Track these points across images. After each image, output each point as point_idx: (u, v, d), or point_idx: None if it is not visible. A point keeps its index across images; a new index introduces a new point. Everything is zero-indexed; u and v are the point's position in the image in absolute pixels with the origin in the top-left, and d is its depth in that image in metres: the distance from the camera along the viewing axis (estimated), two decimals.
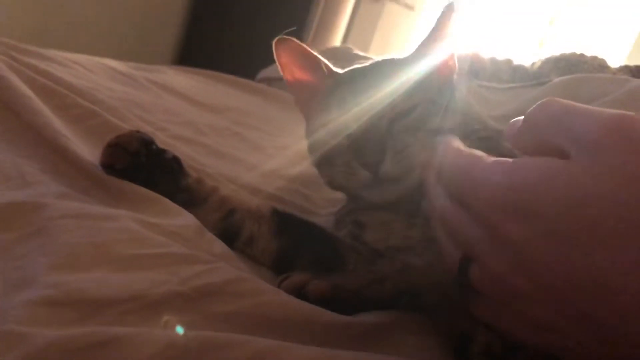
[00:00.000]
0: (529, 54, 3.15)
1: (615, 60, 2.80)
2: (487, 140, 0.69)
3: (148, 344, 0.35)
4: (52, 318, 0.35)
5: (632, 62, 1.70)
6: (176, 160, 0.58)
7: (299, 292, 0.48)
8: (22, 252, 0.41)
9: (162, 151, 0.58)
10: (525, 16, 3.34)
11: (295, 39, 0.64)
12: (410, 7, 2.73)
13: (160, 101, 0.94)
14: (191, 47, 2.44)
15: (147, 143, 0.56)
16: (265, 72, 1.43)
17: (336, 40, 2.57)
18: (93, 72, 0.95)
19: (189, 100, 1.02)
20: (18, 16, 1.78)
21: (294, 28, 0.66)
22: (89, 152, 0.61)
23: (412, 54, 0.64)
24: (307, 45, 2.04)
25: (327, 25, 2.50)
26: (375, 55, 2.38)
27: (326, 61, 0.66)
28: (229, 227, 0.57)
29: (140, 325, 0.37)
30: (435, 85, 0.62)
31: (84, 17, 1.99)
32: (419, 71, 0.62)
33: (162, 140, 0.75)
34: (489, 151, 0.65)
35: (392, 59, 0.67)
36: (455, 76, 0.66)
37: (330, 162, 0.62)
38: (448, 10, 0.61)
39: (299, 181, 0.80)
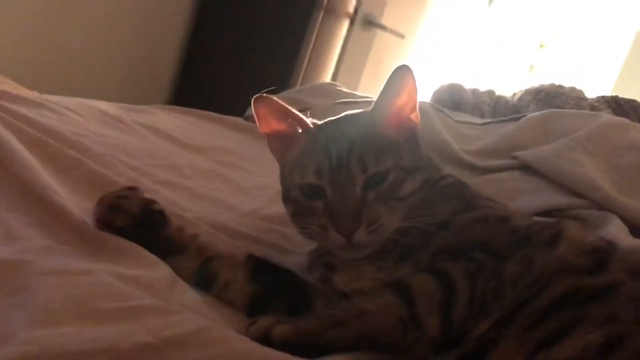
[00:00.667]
0: (519, 78, 3.20)
1: (604, 85, 2.85)
2: (452, 187, 0.73)
3: None
4: None
5: (621, 86, 1.74)
6: (160, 212, 0.63)
7: (265, 337, 0.52)
8: (3, 308, 0.45)
9: (151, 203, 0.62)
10: (515, 41, 3.40)
11: (272, 97, 0.69)
12: (400, 36, 2.79)
13: (147, 144, 0.98)
14: (185, 87, 2.49)
15: (146, 204, 0.61)
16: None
17: (329, 68, 2.63)
18: (83, 117, 1.00)
19: (175, 141, 1.06)
20: (18, 56, 1.84)
21: (274, 87, 0.72)
22: (75, 202, 0.65)
23: (375, 111, 0.68)
24: (299, 77, 2.09)
25: (319, 55, 2.56)
26: (364, 87, 2.43)
27: (301, 116, 0.70)
28: (206, 274, 0.61)
29: None
30: (402, 148, 0.67)
31: (81, 57, 2.05)
32: (385, 133, 0.66)
33: (147, 187, 0.79)
34: (453, 198, 0.69)
35: (361, 115, 0.71)
36: (418, 129, 0.70)
37: (305, 219, 0.66)
38: (403, 71, 0.65)
39: (278, 220, 0.84)
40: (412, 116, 0.70)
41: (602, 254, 0.57)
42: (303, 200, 0.66)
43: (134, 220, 0.60)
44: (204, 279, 0.61)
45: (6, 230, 0.56)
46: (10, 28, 1.82)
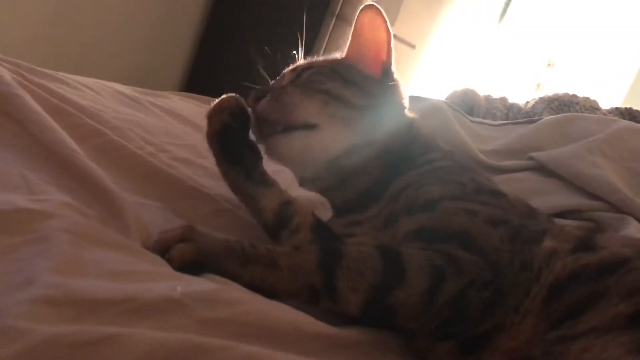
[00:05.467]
0: (525, 96, 3.20)
1: (613, 102, 2.86)
2: (450, 170, 0.73)
3: (138, 344, 0.37)
4: (50, 315, 0.37)
5: (629, 104, 1.74)
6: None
7: (163, 252, 0.53)
8: (26, 255, 0.44)
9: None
10: (523, 58, 3.41)
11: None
12: (411, 46, 2.80)
13: (163, 124, 0.97)
14: (198, 76, 2.50)
15: (242, 107, 0.70)
16: None
17: None
18: (100, 95, 0.99)
19: (191, 124, 1.05)
20: (31, 42, 1.84)
21: None
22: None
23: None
24: None
25: None
26: None
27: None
28: (284, 213, 0.69)
29: (133, 326, 0.39)
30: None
31: (95, 44, 2.05)
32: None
33: (164, 162, 0.78)
34: (450, 183, 0.68)
35: None
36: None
37: None
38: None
39: None
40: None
41: (585, 235, 0.57)
42: None
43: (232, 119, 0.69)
44: (280, 218, 0.69)
45: (27, 184, 0.55)
46: (24, 12, 1.82)
